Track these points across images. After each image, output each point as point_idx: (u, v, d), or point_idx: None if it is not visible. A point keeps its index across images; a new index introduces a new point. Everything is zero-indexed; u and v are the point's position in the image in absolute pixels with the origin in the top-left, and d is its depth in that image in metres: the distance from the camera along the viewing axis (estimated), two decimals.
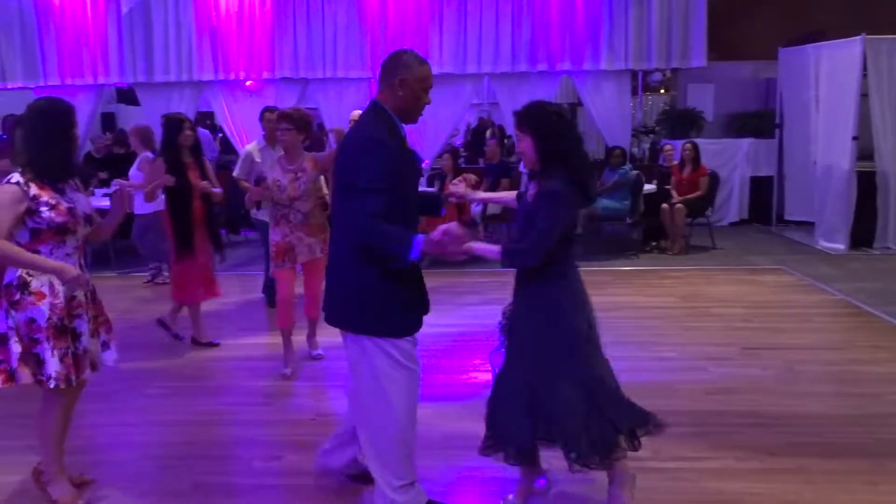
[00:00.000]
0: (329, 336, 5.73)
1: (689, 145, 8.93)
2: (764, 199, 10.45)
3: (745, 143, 10.48)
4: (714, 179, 9.02)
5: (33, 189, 2.97)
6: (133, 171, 7.06)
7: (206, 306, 5.76)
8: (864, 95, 8.42)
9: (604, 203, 8.47)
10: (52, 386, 2.98)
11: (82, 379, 3.13)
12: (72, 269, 2.97)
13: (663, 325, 5.86)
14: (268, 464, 3.69)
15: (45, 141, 3.03)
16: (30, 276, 2.98)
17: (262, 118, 6.29)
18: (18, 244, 2.95)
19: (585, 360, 2.92)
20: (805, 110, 9.38)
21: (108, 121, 13.55)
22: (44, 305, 2.98)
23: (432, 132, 9.95)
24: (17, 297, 2.97)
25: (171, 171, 5.21)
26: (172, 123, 5.31)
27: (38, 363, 2.97)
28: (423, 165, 10.27)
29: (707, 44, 9.57)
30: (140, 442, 4.01)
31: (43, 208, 2.96)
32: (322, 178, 4.94)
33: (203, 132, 9.26)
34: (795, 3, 10.75)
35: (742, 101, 10.92)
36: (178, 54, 9.94)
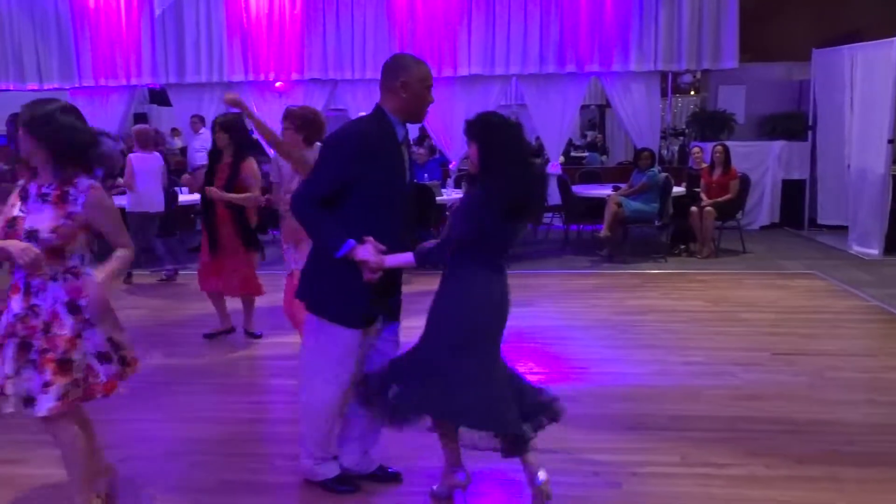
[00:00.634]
0: None
1: (719, 147, 8.83)
2: (796, 202, 10.29)
3: (777, 145, 10.33)
4: (745, 182, 8.91)
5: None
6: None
7: (236, 303, 5.80)
8: None
9: (632, 205, 8.40)
10: None
11: None
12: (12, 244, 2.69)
13: (691, 329, 5.80)
14: (293, 462, 3.71)
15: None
16: None
17: None
18: None
19: (483, 351, 2.97)
20: (839, 112, 9.22)
21: (141, 121, 13.74)
22: None
23: (460, 134, 9.91)
24: None
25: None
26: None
27: None
28: (451, 167, 10.29)
29: (739, 44, 9.46)
30: (168, 438, 4.05)
31: None
32: None
33: None
34: (830, 3, 10.57)
35: (774, 103, 10.78)
36: (208, 55, 10.08)
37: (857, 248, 8.67)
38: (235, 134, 5.33)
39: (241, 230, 5.44)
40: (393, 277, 3.14)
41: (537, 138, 10.70)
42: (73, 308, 2.77)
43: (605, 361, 5.01)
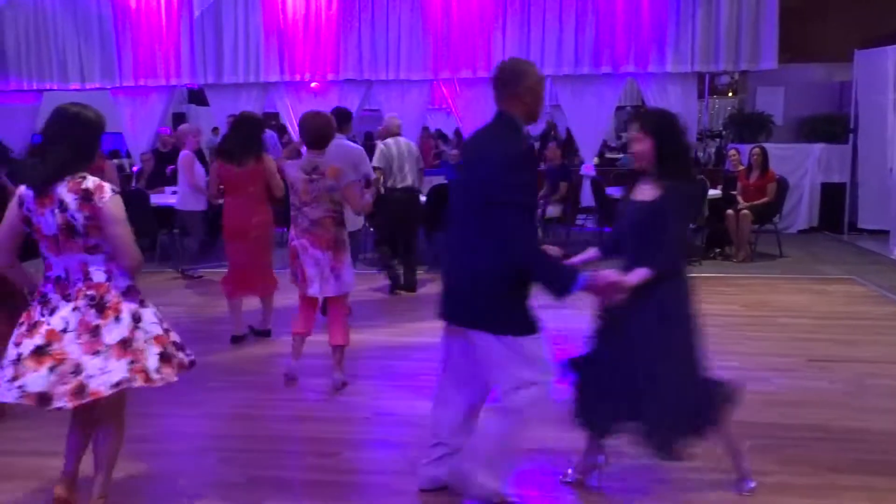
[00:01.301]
0: (389, 336, 5.80)
1: (757, 150, 8.69)
2: (835, 206, 10.07)
3: (817, 148, 10.13)
4: (782, 185, 8.75)
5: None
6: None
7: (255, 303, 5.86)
8: None
9: None
10: None
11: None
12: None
13: (725, 334, 5.71)
14: (323, 460, 3.75)
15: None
16: None
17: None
18: None
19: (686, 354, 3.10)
20: (882, 115, 9.02)
21: (180, 120, 14.01)
22: None
23: None
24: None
25: None
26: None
27: None
28: None
29: (778, 44, 9.30)
30: (199, 433, 4.12)
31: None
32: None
33: (269, 133, 9.48)
34: (871, 3, 10.34)
35: (814, 105, 10.58)
36: (245, 56, 10.21)
37: None
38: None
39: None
40: None
41: (569, 136, 10.62)
42: None
43: None
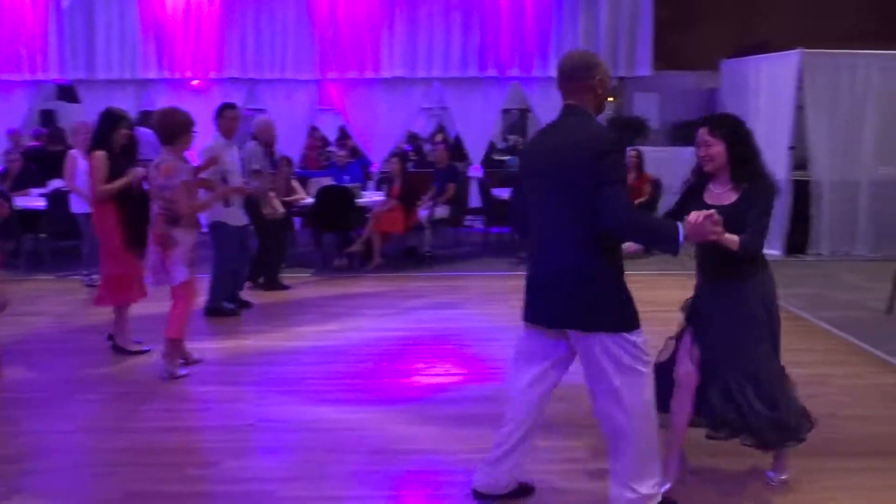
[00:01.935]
0: (272, 341, 5.67)
1: (633, 152, 9.09)
2: None
3: (689, 151, 10.62)
4: (657, 186, 9.19)
5: None
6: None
7: (143, 309, 5.58)
8: (800, 107, 8.70)
9: None
10: None
11: None
12: None
13: None
14: (203, 471, 3.62)
15: None
16: None
17: (220, 116, 6.45)
18: None
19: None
20: (745, 120, 9.61)
21: (48, 118, 13.18)
22: None
23: (383, 136, 9.91)
24: None
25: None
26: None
27: None
28: (373, 169, 10.25)
29: (653, 53, 9.76)
30: (73, 449, 3.89)
31: None
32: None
33: (146, 132, 9.04)
34: (740, 15, 11.06)
35: (686, 111, 11.16)
36: (121, 50, 9.71)
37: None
38: None
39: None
40: None
41: (457, 139, 10.75)
42: None
43: None
